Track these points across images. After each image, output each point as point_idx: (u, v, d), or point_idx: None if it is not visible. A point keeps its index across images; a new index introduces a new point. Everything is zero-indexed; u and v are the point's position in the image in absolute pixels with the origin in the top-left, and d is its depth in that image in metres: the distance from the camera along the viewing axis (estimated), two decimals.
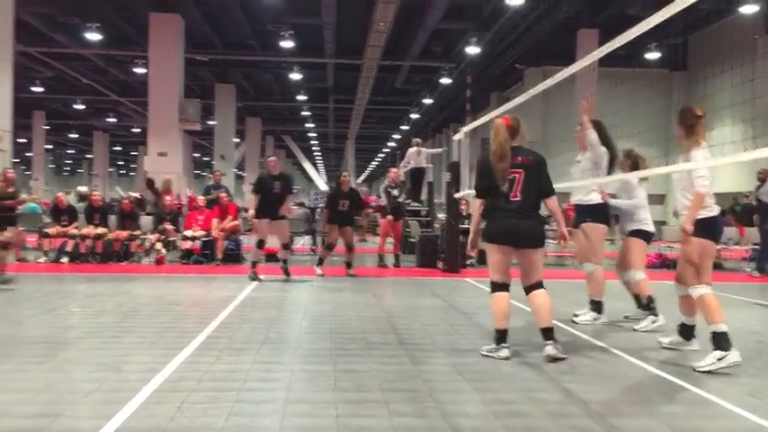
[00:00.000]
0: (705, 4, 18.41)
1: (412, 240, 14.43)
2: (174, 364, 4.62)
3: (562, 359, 4.94)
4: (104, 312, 6.80)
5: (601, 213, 6.58)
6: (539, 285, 5.09)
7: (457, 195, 11.58)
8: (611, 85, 21.29)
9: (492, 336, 5.19)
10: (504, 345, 5.02)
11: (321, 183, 55.29)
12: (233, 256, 12.54)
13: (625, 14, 20.78)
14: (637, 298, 6.66)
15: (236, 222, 12.77)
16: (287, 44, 23.43)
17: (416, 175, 16.41)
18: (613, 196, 6.72)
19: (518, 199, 5.02)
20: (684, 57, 27.25)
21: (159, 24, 21.13)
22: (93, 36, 22.35)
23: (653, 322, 6.31)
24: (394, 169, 13.27)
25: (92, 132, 47.66)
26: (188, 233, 12.50)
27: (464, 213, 12.82)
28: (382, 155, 60.15)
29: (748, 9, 19.90)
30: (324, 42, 24.36)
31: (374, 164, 67.70)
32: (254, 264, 9.85)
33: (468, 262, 12.55)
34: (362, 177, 74.11)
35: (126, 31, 24.17)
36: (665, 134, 24.12)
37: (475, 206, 5.34)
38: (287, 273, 9.95)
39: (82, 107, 37.55)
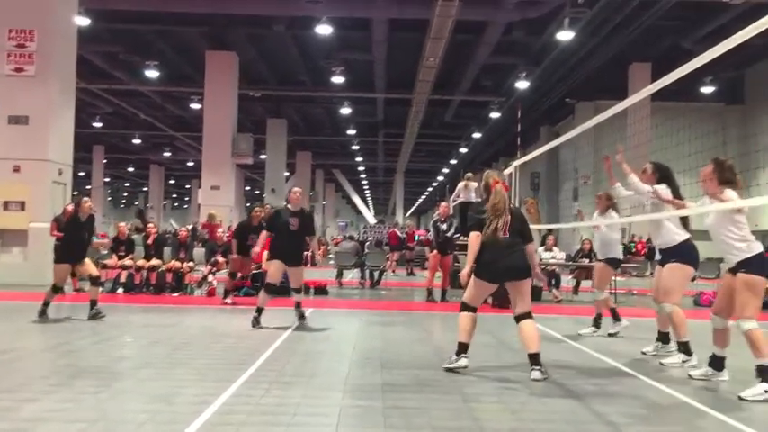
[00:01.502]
0: (762, 38, 18.07)
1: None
2: (224, 396, 4.66)
3: (545, 379, 5.51)
4: (157, 343, 6.91)
5: (688, 254, 6.42)
6: (527, 315, 5.78)
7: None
8: (664, 119, 20.96)
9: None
10: (464, 355, 5.79)
11: (370, 216, 55.55)
12: (282, 289, 12.61)
13: (678, 47, 20.55)
14: (614, 310, 8.23)
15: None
16: (338, 79, 23.83)
17: (466, 209, 16.35)
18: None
19: (507, 236, 5.81)
20: (741, 91, 26.73)
21: (215, 62, 21.79)
22: (152, 73, 23.14)
23: (682, 361, 6.24)
24: (444, 203, 13.24)
25: (148, 166, 49.03)
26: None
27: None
28: (431, 189, 60.20)
29: None
30: (374, 77, 24.69)
31: (423, 198, 67.74)
32: (259, 310, 8.25)
33: None
34: (411, 211, 74.23)
35: (183, 68, 24.94)
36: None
37: (472, 240, 5.86)
38: (302, 315, 8.68)
39: (139, 141, 38.72)
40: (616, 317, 8.41)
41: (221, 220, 19.39)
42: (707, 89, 24.51)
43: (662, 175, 6.53)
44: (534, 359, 5.62)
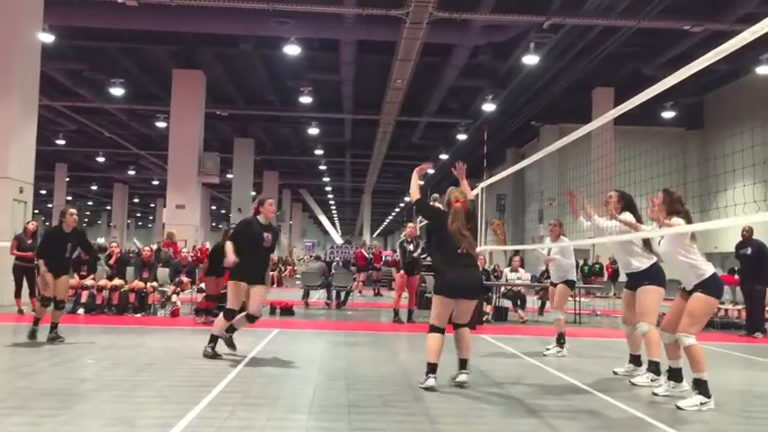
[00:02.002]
0: (721, 65, 18.60)
1: (428, 296, 14.34)
2: (187, 418, 4.58)
3: (466, 385, 5.95)
4: (119, 365, 6.78)
5: (656, 277, 6.56)
6: (466, 325, 6.21)
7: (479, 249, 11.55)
8: (627, 143, 21.35)
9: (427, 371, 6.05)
10: (432, 375, 5.92)
11: (337, 237, 55.44)
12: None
13: (640, 73, 21.04)
14: (561, 335, 8.42)
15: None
16: (306, 100, 23.88)
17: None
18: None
19: (465, 254, 6.06)
20: (700, 116, 27.40)
21: (182, 80, 21.68)
22: (117, 91, 22.92)
23: (650, 380, 6.36)
24: (411, 224, 13.28)
25: (112, 184, 48.40)
26: (203, 286, 12.50)
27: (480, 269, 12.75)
28: (398, 209, 60.36)
29: (764, 70, 20.07)
30: (342, 98, 24.80)
31: (390, 218, 67.85)
32: (214, 338, 7.38)
33: (484, 318, 12.48)
34: (378, 232, 74.25)
35: (149, 86, 24.77)
36: (682, 193, 24.03)
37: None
38: (231, 344, 7.47)
39: (103, 159, 38.23)
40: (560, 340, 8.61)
41: (185, 240, 19.20)
42: (668, 114, 25.10)
43: (626, 202, 6.70)
44: (464, 364, 6.13)
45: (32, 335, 8.10)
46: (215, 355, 7.24)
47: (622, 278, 8.15)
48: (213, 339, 7.39)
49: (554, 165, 26.41)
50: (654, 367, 6.42)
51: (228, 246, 7.35)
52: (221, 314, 7.49)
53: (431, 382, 5.89)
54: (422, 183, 38.66)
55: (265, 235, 7.45)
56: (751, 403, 5.94)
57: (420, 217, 16.30)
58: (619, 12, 16.46)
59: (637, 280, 6.60)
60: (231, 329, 7.44)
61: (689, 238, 5.60)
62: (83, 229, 8.94)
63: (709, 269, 5.59)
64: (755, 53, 19.09)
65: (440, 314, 6.08)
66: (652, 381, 6.35)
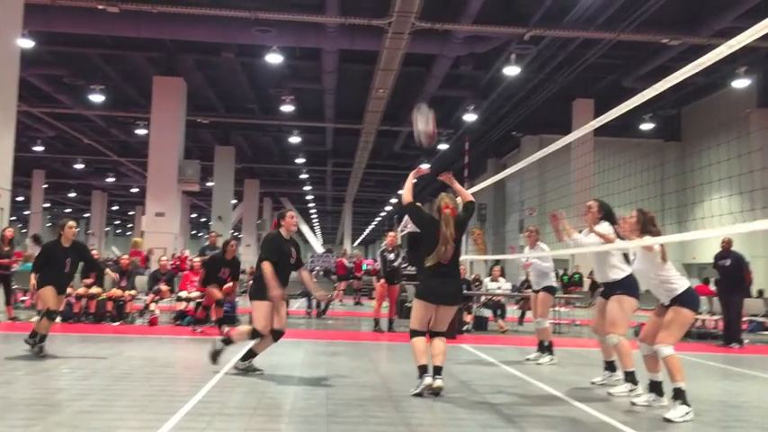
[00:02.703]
0: (698, 78, 18.87)
1: (409, 305, 14.34)
2: (165, 429, 4.54)
3: (441, 393, 5.98)
4: (95, 374, 6.70)
5: (630, 288, 6.62)
6: (442, 334, 6.30)
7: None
8: (606, 154, 21.55)
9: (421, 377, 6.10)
10: (426, 375, 6.04)
11: (318, 245, 55.30)
12: (228, 319, 12.41)
13: (620, 85, 21.29)
14: (541, 342, 8.63)
15: (231, 284, 12.68)
16: (287, 108, 23.84)
17: (413, 239, 16.42)
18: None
19: (448, 263, 6.17)
20: (678, 128, 27.74)
21: (162, 87, 21.55)
22: (97, 98, 22.74)
23: (629, 390, 6.39)
24: (392, 233, 13.29)
25: (90, 192, 47.93)
26: (182, 294, 12.41)
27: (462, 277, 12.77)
28: (379, 218, 60.40)
29: (740, 83, 20.38)
30: (324, 107, 24.80)
31: (371, 227, 67.86)
32: (251, 354, 7.00)
33: (464, 328, 12.49)
34: (359, 241, 74.16)
35: (129, 93, 24.63)
36: (660, 204, 24.31)
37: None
38: (217, 356, 7.15)
39: (82, 166, 37.86)
40: (543, 348, 8.71)
41: (165, 248, 19.04)
42: (646, 126, 25.40)
43: (606, 212, 6.82)
44: (438, 371, 6.13)
45: (36, 347, 7.65)
46: (253, 369, 6.91)
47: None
48: (250, 355, 6.94)
49: (534, 175, 26.57)
50: (630, 377, 6.45)
51: (269, 270, 6.69)
52: (251, 331, 6.91)
53: (427, 380, 6.01)
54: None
55: (291, 250, 7.06)
56: (728, 413, 6.00)
57: (402, 225, 16.33)
58: (598, 24, 16.66)
59: (611, 289, 6.67)
60: (228, 342, 7.08)
61: (660, 257, 5.65)
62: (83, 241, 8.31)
63: (683, 284, 5.66)
64: (732, 67, 19.40)
65: (420, 318, 6.24)
66: (630, 391, 6.38)
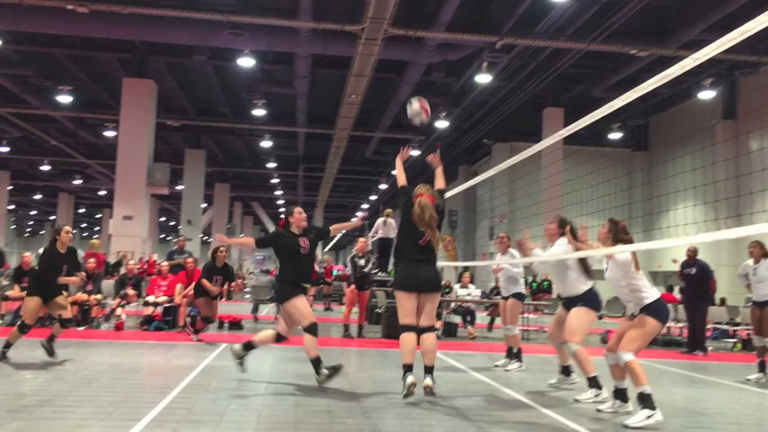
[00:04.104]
0: (665, 89, 19.21)
1: (379, 311, 14.34)
2: None
3: (434, 392, 5.98)
4: (59, 380, 6.58)
5: (591, 300, 6.77)
6: (431, 329, 6.19)
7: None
8: (576, 162, 21.81)
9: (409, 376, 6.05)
10: (409, 373, 5.97)
11: None
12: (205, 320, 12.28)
13: (589, 94, 21.58)
14: (510, 349, 8.74)
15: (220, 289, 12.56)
16: (259, 112, 23.72)
17: (384, 245, 16.44)
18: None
19: (424, 246, 6.25)
20: (645, 138, 28.16)
21: (132, 89, 21.29)
22: (65, 99, 22.41)
23: (595, 395, 6.49)
24: (362, 239, 13.29)
25: (57, 194, 47.14)
26: (150, 299, 12.27)
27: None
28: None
29: (706, 95, 20.77)
30: (296, 112, 24.72)
31: (342, 233, 67.68)
32: (318, 362, 6.79)
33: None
34: (329, 246, 73.88)
35: (98, 94, 24.32)
36: (627, 213, 24.67)
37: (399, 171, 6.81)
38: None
39: (48, 168, 37.22)
40: (511, 355, 8.81)
41: (132, 252, 18.81)
42: (615, 135, 25.75)
43: (565, 227, 6.98)
44: (429, 371, 6.07)
45: (2, 357, 7.56)
46: (334, 371, 6.71)
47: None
48: (318, 363, 6.72)
49: (505, 182, 26.77)
50: (593, 383, 6.54)
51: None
52: (309, 335, 6.72)
53: (409, 379, 5.94)
54: (374, 198, 38.93)
55: (301, 241, 6.91)
56: (692, 419, 6.08)
57: (372, 231, 16.36)
58: (569, 34, 16.87)
59: (573, 302, 6.79)
60: (250, 347, 6.98)
61: (633, 266, 5.72)
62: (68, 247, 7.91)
63: (653, 294, 5.72)
64: (698, 79, 19.77)
65: (405, 309, 6.19)
66: (596, 396, 6.47)
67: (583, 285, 6.75)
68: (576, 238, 6.69)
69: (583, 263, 6.75)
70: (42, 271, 7.87)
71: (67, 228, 7.97)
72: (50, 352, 7.75)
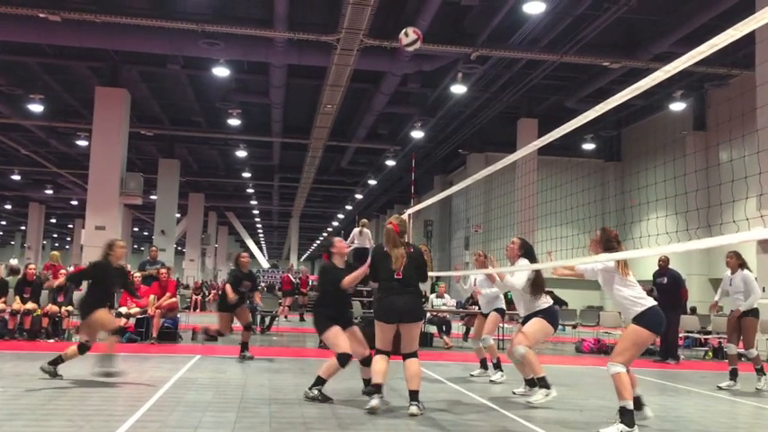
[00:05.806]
0: (637, 101, 19.48)
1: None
2: None
3: (421, 414, 5.92)
4: (30, 393, 6.46)
5: (550, 316, 7.11)
6: (413, 355, 6.15)
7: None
8: (550, 173, 21.99)
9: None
10: (378, 395, 6.05)
11: (263, 260, 54.76)
12: (169, 335, 12.18)
13: (563, 105, 21.80)
14: (483, 360, 9.01)
15: (174, 300, 12.45)
16: (234, 122, 23.63)
17: (360, 255, 16.41)
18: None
19: (401, 277, 6.17)
20: (618, 148, 28.50)
21: (105, 98, 21.08)
22: (36, 107, 22.13)
23: (545, 395, 6.75)
24: (338, 239, 13.21)
25: (27, 204, 46.44)
26: (122, 310, 12.10)
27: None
28: (326, 234, 60.21)
29: (677, 106, 21.10)
30: (271, 121, 24.67)
31: (317, 243, 67.56)
32: (321, 381, 6.75)
33: None
34: (305, 256, 73.71)
35: (70, 103, 24.05)
36: (601, 223, 24.85)
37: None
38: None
39: (18, 177, 36.69)
40: (485, 366, 9.05)
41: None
42: (588, 146, 26.04)
43: (526, 250, 7.35)
44: (414, 395, 6.04)
45: (54, 374, 7.30)
46: (325, 399, 6.58)
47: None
48: (320, 382, 6.67)
49: (480, 192, 26.88)
50: (543, 383, 6.82)
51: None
52: (335, 360, 6.65)
53: (374, 402, 6.02)
54: (350, 208, 38.89)
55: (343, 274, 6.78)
56: (664, 427, 6.13)
57: (348, 241, 16.31)
58: (543, 46, 17.05)
59: (533, 315, 7.11)
60: (322, 381, 6.71)
61: (620, 274, 5.64)
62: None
63: (647, 302, 5.58)
64: (669, 91, 20.08)
65: (381, 339, 6.21)
66: (546, 395, 6.74)
67: (544, 303, 7.06)
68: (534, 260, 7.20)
69: (533, 284, 7.02)
70: (94, 286, 7.57)
71: (122, 243, 7.80)
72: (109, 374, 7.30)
